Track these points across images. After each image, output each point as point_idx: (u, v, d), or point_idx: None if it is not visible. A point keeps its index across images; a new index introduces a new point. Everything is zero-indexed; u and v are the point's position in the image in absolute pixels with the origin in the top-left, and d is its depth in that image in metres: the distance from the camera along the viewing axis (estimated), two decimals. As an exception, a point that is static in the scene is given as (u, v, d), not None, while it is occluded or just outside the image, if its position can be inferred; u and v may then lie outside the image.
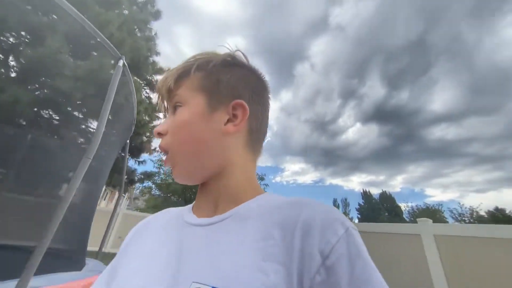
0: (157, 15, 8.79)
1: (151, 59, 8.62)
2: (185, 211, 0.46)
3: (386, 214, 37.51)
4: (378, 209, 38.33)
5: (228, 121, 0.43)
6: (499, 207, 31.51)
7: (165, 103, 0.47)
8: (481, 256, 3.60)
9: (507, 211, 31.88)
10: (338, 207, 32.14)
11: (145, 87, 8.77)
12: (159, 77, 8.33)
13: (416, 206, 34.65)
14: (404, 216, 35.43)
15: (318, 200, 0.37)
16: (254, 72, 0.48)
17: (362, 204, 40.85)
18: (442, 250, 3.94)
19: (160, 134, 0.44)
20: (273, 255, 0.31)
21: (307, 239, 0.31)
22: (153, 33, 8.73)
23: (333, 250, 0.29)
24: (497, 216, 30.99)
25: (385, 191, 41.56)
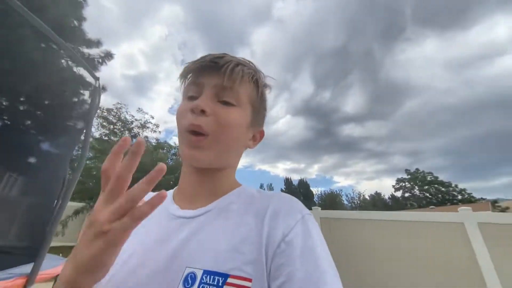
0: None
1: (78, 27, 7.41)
2: (169, 202, 0.50)
3: (302, 198, 43.35)
4: (296, 193, 43.54)
5: (252, 138, 0.54)
6: (378, 191, 41.34)
7: (207, 82, 0.47)
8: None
9: (382, 195, 41.38)
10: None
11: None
12: (87, 50, 7.35)
13: (324, 191, 42.12)
14: (314, 200, 41.85)
15: (283, 193, 0.48)
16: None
17: (284, 189, 45.69)
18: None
19: (202, 112, 0.44)
20: (248, 238, 0.39)
21: (274, 224, 0.40)
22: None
23: (291, 230, 0.39)
24: (375, 199, 40.36)
25: (302, 178, 48.26)
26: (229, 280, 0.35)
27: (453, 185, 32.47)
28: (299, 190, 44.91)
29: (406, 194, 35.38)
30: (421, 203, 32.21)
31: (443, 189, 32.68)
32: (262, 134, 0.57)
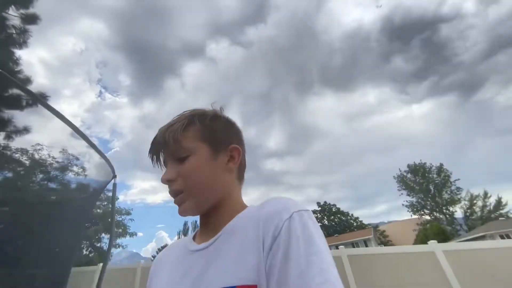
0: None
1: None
2: (188, 241, 0.57)
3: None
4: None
5: (228, 161, 0.57)
6: None
7: (163, 156, 0.58)
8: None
9: None
10: (187, 230, 30.35)
11: None
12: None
13: None
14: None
15: (280, 196, 0.50)
16: (231, 121, 0.63)
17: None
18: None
19: (169, 181, 0.53)
20: (249, 248, 0.43)
21: (267, 228, 0.43)
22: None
23: (280, 230, 0.41)
24: None
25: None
26: None
27: (350, 214, 38.84)
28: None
29: (319, 224, 42.03)
30: (329, 232, 36.29)
31: (343, 218, 38.34)
32: (236, 150, 0.59)
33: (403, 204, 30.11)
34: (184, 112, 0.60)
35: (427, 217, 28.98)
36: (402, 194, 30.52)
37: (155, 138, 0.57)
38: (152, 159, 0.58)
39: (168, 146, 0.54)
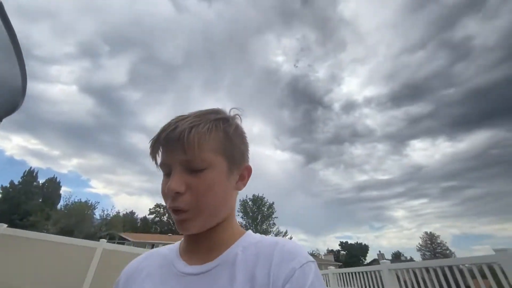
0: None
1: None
2: (174, 256, 0.51)
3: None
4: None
5: (239, 180, 0.53)
6: (133, 210, 41.64)
7: (169, 157, 0.47)
8: None
9: (136, 215, 41.49)
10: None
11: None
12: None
13: (76, 198, 29.38)
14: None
15: (287, 240, 0.49)
16: (246, 135, 0.56)
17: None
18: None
19: (178, 194, 0.44)
20: None
21: (277, 273, 0.42)
22: None
23: (290, 280, 0.41)
24: (128, 217, 39.09)
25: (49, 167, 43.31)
26: None
27: None
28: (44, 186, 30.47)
29: (157, 219, 37.90)
30: (163, 229, 36.22)
31: (172, 223, 34.56)
32: (248, 169, 0.54)
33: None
34: (207, 111, 0.51)
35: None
36: (238, 215, 33.93)
37: (172, 130, 0.45)
38: (154, 152, 0.48)
39: (188, 151, 0.44)
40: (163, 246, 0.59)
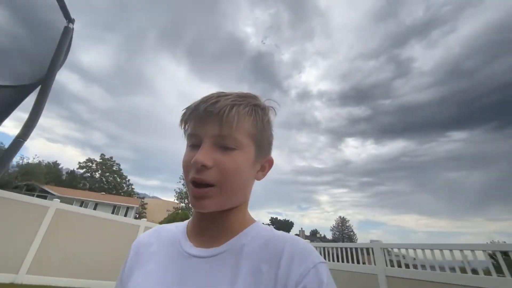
0: None
1: None
2: (182, 236, 0.51)
3: None
4: None
5: (260, 169, 0.53)
6: (58, 161, 39.26)
7: (202, 128, 0.46)
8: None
9: (60, 166, 39.00)
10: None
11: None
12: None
13: None
14: None
15: (298, 237, 0.47)
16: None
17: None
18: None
19: (204, 166, 0.43)
20: (261, 286, 0.39)
21: (287, 272, 0.40)
22: None
23: (303, 280, 0.39)
24: (52, 167, 36.11)
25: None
26: None
27: (127, 179, 37.85)
28: None
29: (87, 174, 35.70)
30: (94, 186, 33.88)
31: (118, 179, 36.70)
32: (270, 162, 0.55)
33: (175, 190, 33.23)
34: (247, 94, 0.52)
35: (183, 205, 31.68)
36: (179, 182, 33.11)
37: (213, 104, 0.45)
38: (186, 121, 0.49)
39: (225, 126, 0.45)
40: (171, 223, 0.58)
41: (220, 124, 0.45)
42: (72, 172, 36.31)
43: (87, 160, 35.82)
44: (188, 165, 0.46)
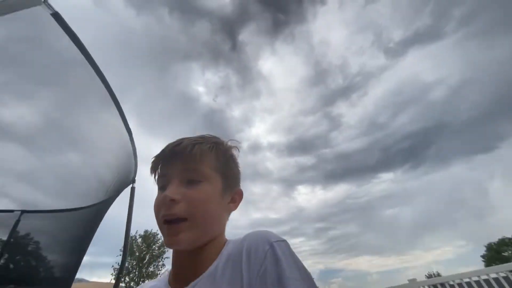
0: None
1: None
2: (163, 285, 0.52)
3: None
4: None
5: (231, 201, 0.56)
6: None
7: (168, 169, 0.51)
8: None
9: None
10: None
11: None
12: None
13: None
14: None
15: (257, 230, 0.47)
16: (239, 165, 0.60)
17: None
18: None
19: (173, 201, 0.46)
20: None
21: (249, 265, 0.41)
22: None
23: (263, 263, 0.39)
24: None
25: None
26: None
27: (47, 260, 29.44)
28: None
29: None
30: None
31: (34, 263, 28.66)
32: (240, 193, 0.58)
33: (112, 266, 25.62)
34: (209, 135, 0.57)
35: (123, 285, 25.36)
36: (118, 256, 26.60)
37: (177, 145, 0.51)
38: (155, 167, 0.53)
39: (189, 161, 0.49)
40: (154, 279, 0.61)
41: (184, 160, 0.49)
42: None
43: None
44: (158, 205, 0.48)
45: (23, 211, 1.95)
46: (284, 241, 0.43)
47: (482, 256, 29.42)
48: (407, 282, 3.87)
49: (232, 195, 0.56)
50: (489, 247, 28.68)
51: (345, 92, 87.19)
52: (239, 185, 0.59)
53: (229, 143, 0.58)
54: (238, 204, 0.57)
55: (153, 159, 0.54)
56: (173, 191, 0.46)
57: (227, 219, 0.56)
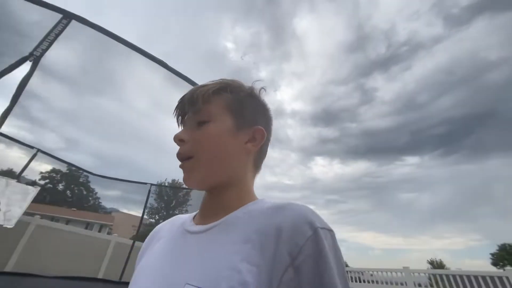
0: None
1: None
2: (188, 219, 0.53)
3: None
4: None
5: (249, 141, 0.52)
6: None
7: (184, 116, 0.53)
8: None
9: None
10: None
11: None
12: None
13: None
14: None
15: (297, 203, 0.41)
16: (266, 105, 0.58)
17: None
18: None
19: (181, 141, 0.49)
20: (249, 257, 0.36)
21: (279, 243, 0.35)
22: None
23: (301, 251, 0.34)
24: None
25: None
26: None
27: (95, 192, 35.14)
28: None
29: (49, 185, 33.15)
30: (57, 199, 32.21)
31: (85, 192, 34.42)
32: (260, 132, 0.52)
33: (148, 206, 28.11)
34: (224, 78, 0.56)
35: (152, 221, 29.98)
36: (152, 196, 27.29)
37: (184, 95, 0.53)
38: (178, 118, 0.55)
39: (193, 104, 0.50)
40: (185, 214, 0.61)
41: (194, 102, 0.50)
42: (34, 183, 31.18)
43: (51, 170, 32.58)
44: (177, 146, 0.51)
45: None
46: (331, 230, 0.38)
47: (492, 254, 28.80)
48: (402, 268, 4.65)
49: (250, 133, 0.52)
50: (502, 247, 28.23)
51: (386, 63, 76.96)
52: (262, 124, 0.53)
53: (251, 84, 0.56)
54: (259, 144, 0.52)
55: (174, 114, 0.55)
56: (181, 132, 0.50)
57: (248, 161, 0.52)
